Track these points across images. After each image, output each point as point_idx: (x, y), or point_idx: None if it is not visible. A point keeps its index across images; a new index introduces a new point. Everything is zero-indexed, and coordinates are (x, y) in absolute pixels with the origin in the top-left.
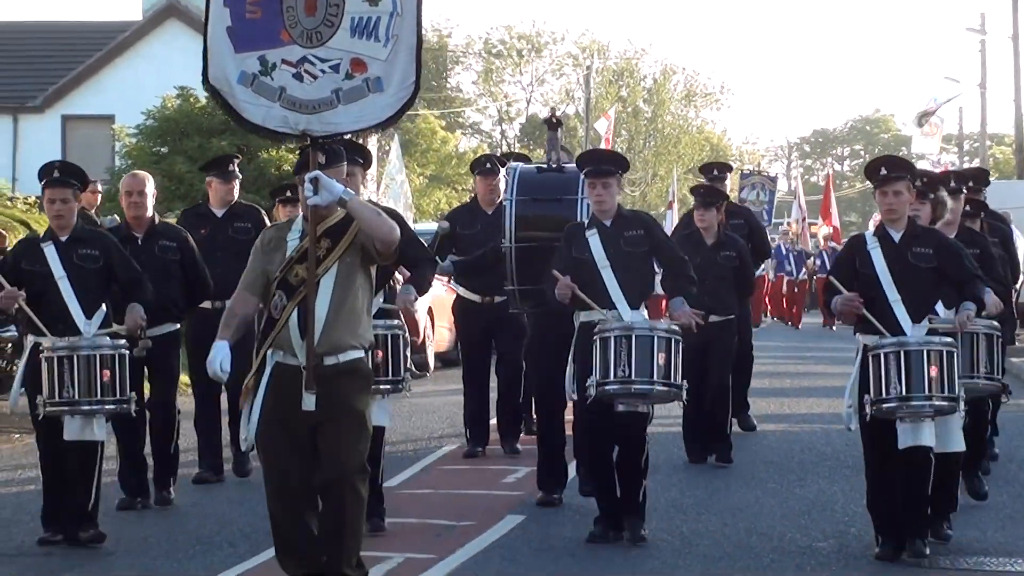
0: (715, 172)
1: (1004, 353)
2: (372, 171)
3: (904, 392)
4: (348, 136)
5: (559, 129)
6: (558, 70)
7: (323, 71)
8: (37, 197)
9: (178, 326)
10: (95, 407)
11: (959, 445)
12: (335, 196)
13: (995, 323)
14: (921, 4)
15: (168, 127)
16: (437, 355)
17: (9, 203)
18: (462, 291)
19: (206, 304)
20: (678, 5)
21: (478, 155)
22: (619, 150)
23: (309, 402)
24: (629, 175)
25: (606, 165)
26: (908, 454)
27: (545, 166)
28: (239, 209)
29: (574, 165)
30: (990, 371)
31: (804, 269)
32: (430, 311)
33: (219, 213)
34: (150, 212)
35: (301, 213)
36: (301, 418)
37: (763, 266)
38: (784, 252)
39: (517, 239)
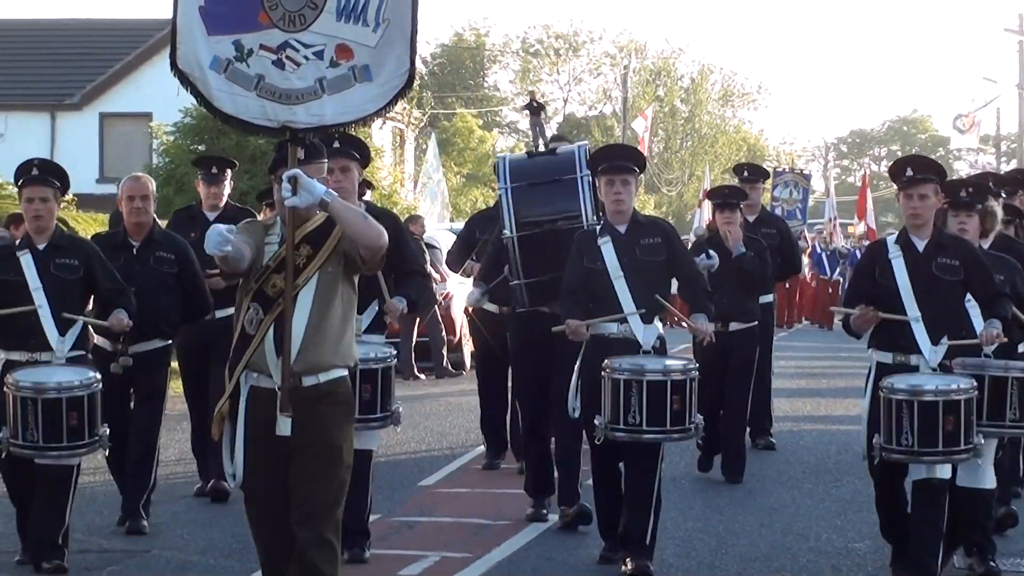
0: (746, 173)
1: None
2: (410, 169)
3: (916, 447)
4: (341, 130)
5: (542, 113)
6: (595, 69)
7: (306, 58)
8: (74, 195)
9: (168, 343)
10: (62, 453)
11: (990, 482)
12: (316, 197)
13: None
14: (959, 4)
15: (205, 125)
16: (473, 355)
17: None
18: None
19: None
20: (716, 5)
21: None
22: (656, 149)
23: (284, 426)
24: (666, 175)
25: (625, 161)
26: (922, 484)
27: (534, 152)
28: (231, 212)
29: (571, 146)
30: (1018, 418)
31: (838, 269)
32: (467, 311)
33: (210, 216)
34: (151, 219)
35: (279, 216)
36: (279, 445)
37: None
38: (819, 252)
39: (519, 227)
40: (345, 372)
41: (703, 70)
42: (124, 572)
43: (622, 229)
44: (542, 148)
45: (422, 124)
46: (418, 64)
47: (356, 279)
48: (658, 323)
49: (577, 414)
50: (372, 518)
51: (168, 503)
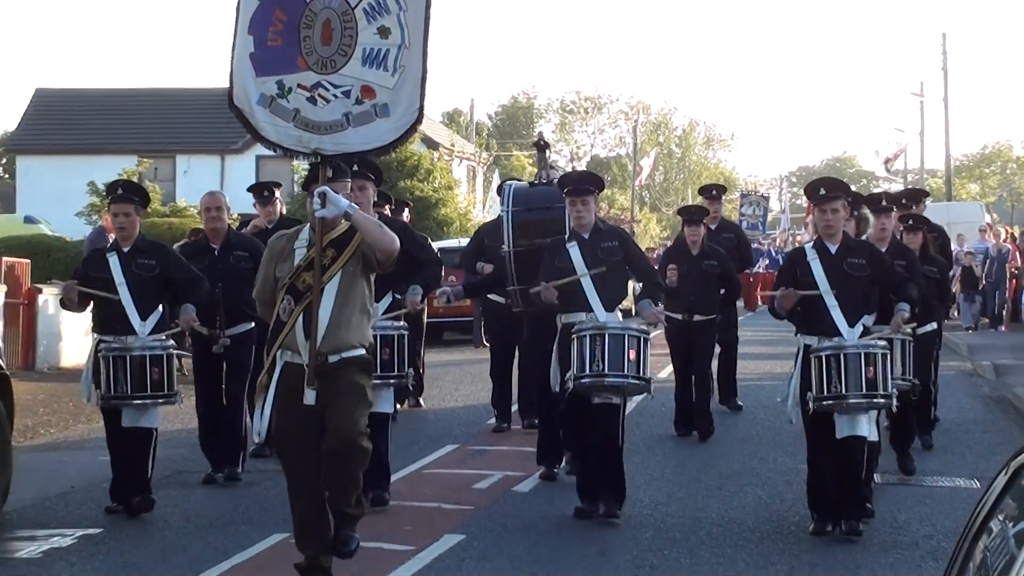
0: (714, 192)
1: (928, 354)
2: (479, 196)
3: (843, 391)
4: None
5: (547, 150)
6: (613, 123)
7: (335, 96)
8: (239, 214)
9: (252, 325)
10: (147, 401)
11: (871, 435)
12: (341, 209)
13: (907, 329)
14: (877, 74)
15: None
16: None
17: None
18: (490, 294)
19: None
20: (701, 76)
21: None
22: (657, 180)
23: (310, 397)
24: (664, 199)
25: (585, 184)
26: (845, 443)
27: (536, 182)
28: (286, 223)
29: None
30: (902, 372)
31: None
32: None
33: (269, 228)
34: (225, 225)
35: (308, 223)
36: (306, 411)
37: (758, 265)
38: (774, 254)
39: (515, 244)
40: (363, 351)
41: (691, 123)
42: (278, 484)
43: (586, 236)
44: (545, 178)
45: (488, 163)
46: (484, 119)
47: (372, 277)
48: (618, 312)
49: (558, 388)
50: (451, 447)
51: None
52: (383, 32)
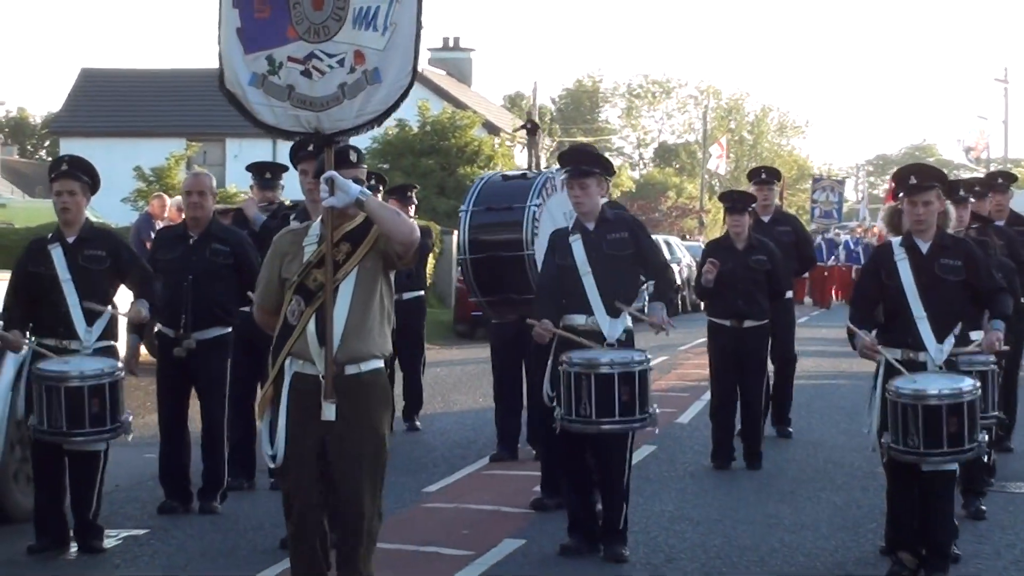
0: (763, 175)
1: (1000, 382)
2: None
3: (922, 448)
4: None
5: (537, 132)
6: (682, 108)
7: (331, 67)
8: (290, 200)
9: (228, 330)
10: (90, 438)
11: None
12: (351, 197)
13: (991, 357)
14: (960, 59)
15: (389, 149)
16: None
17: None
18: None
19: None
20: (775, 59)
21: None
22: (727, 170)
23: (329, 412)
24: (735, 188)
25: (584, 166)
26: (930, 476)
27: (511, 174)
28: (283, 211)
29: (544, 171)
30: (984, 408)
31: None
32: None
33: (262, 216)
34: (209, 213)
35: (319, 217)
36: (320, 430)
37: (833, 258)
38: (852, 245)
39: (472, 250)
40: (382, 362)
41: (764, 108)
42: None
43: (591, 226)
44: (535, 166)
45: (552, 148)
46: (547, 103)
47: (392, 275)
48: (627, 318)
49: (554, 402)
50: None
51: None
52: None
